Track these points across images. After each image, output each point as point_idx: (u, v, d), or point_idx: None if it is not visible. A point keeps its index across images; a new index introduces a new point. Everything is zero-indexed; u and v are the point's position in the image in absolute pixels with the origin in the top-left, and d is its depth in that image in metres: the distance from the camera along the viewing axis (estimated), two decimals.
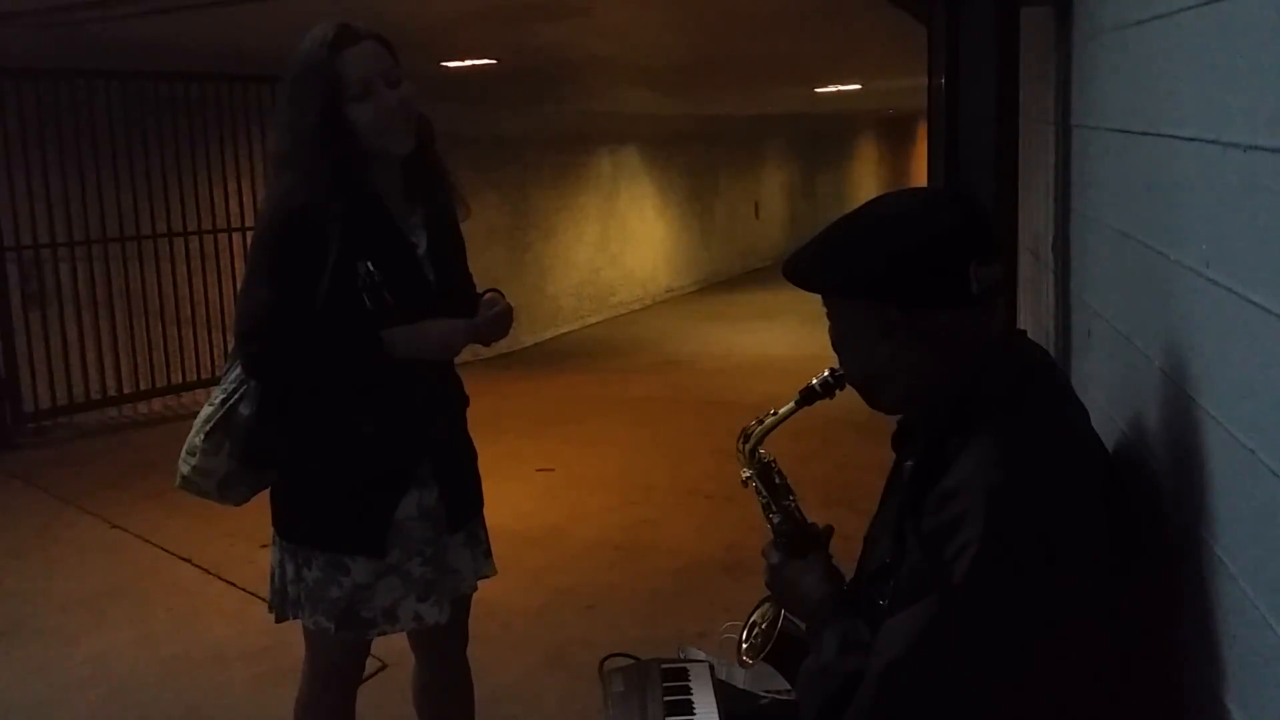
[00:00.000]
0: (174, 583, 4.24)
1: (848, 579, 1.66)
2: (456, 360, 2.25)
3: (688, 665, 2.09)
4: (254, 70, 6.48)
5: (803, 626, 1.65)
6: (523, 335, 9.15)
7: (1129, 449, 1.63)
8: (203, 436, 2.16)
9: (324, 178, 2.01)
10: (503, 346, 7.68)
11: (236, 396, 2.16)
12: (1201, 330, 1.29)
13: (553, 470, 5.56)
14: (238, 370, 2.15)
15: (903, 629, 1.32)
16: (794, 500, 1.76)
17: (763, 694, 2.03)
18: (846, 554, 1.70)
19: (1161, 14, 1.48)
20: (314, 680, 2.30)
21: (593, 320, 10.66)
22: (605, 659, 2.26)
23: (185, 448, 2.19)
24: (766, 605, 1.80)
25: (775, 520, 1.75)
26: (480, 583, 2.35)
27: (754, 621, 1.81)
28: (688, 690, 2.00)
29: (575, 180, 10.61)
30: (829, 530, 1.74)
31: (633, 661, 2.17)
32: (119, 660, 3.59)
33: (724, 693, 2.01)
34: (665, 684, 2.02)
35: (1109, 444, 1.65)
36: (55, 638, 3.76)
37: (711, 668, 2.08)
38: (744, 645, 1.81)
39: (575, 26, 5.73)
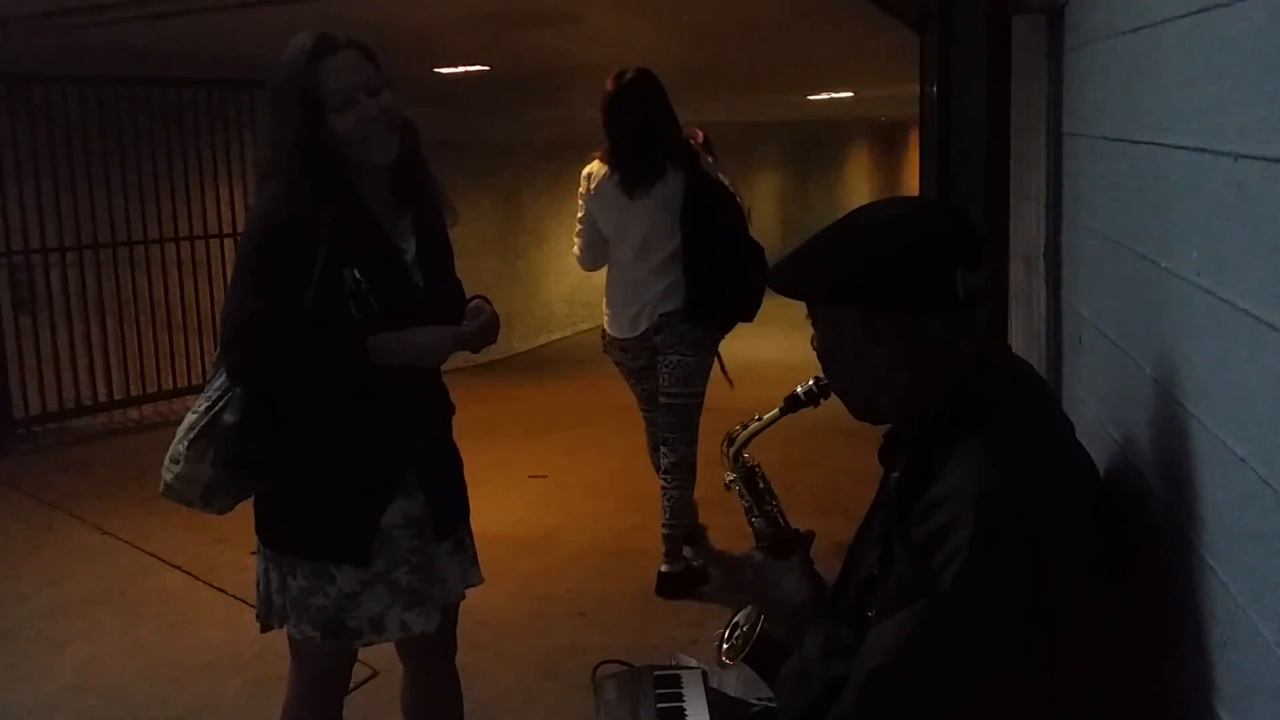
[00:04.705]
0: (164, 589, 4.22)
1: (830, 585, 1.66)
2: (447, 367, 2.24)
3: (681, 672, 2.09)
4: (245, 75, 6.47)
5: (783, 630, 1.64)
6: (515, 341, 9.14)
7: (1120, 456, 1.63)
8: (186, 444, 2.15)
9: (308, 188, 2.00)
10: (494, 353, 7.64)
11: (220, 404, 2.15)
12: (1192, 338, 1.29)
13: (545, 477, 5.55)
14: (222, 378, 2.14)
15: (889, 634, 1.32)
16: (777, 504, 1.76)
17: (755, 701, 2.03)
18: (838, 562, 1.70)
19: (1152, 23, 1.48)
20: (301, 689, 2.29)
21: (585, 326, 10.64)
22: (598, 666, 2.25)
23: (169, 455, 2.18)
24: (751, 607, 1.80)
25: (757, 524, 1.75)
26: (471, 590, 2.34)
27: (736, 622, 1.81)
28: (680, 697, 2.00)
29: (568, 186, 10.56)
30: (810, 535, 1.74)
31: (626, 668, 2.17)
32: (108, 667, 3.58)
33: (717, 700, 2.00)
34: (658, 691, 2.02)
35: (1101, 451, 1.65)
36: (44, 644, 3.74)
37: (705, 675, 2.07)
38: (724, 645, 1.81)
39: (567, 33, 5.73)
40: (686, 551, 4.09)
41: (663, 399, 3.96)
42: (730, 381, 4.03)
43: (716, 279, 3.85)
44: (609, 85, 3.86)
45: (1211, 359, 1.22)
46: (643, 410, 4.20)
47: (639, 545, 4.56)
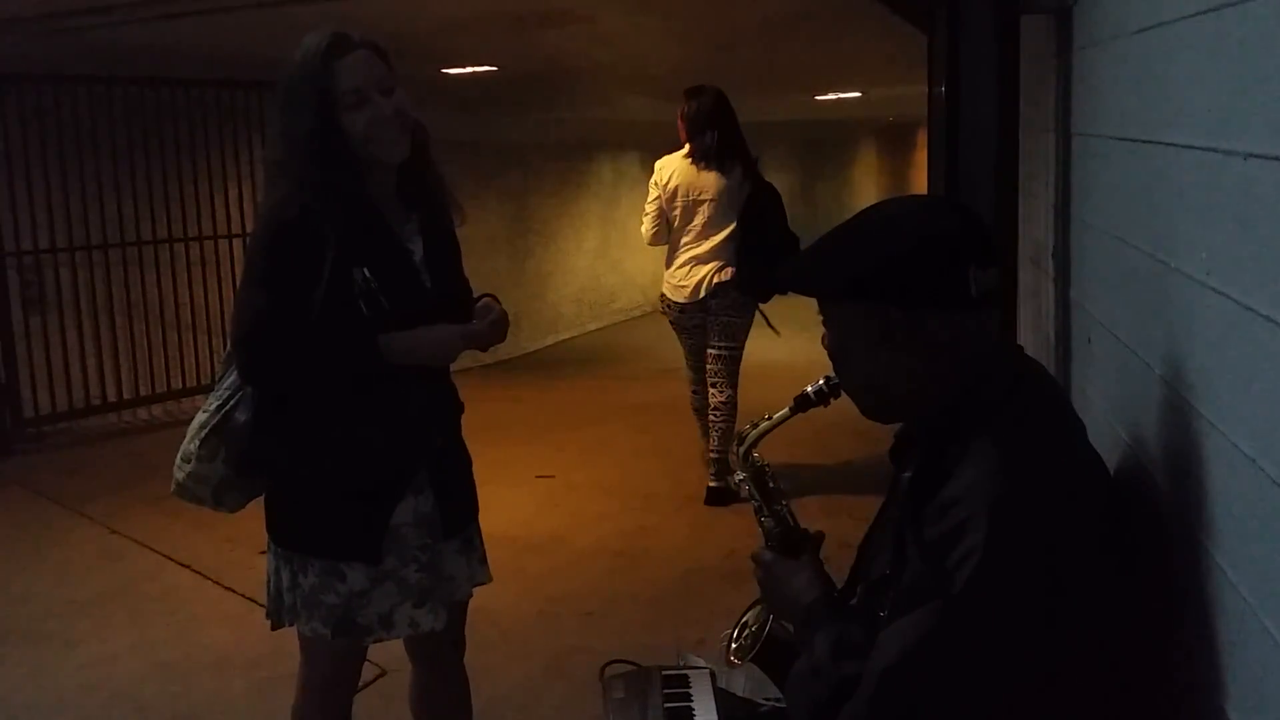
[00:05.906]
0: (173, 588, 4.24)
1: (839, 586, 1.66)
2: (456, 366, 2.25)
3: (688, 672, 2.08)
4: (253, 75, 6.49)
5: (792, 630, 1.64)
6: (523, 341, 9.15)
7: (1129, 456, 1.63)
8: (198, 443, 2.16)
9: (318, 186, 2.01)
10: (503, 352, 7.65)
11: (232, 403, 2.15)
12: (1201, 338, 1.29)
13: (552, 477, 5.56)
14: (233, 377, 2.15)
15: (902, 635, 1.32)
16: (786, 504, 1.76)
17: (763, 701, 2.03)
18: (848, 562, 1.70)
19: (1161, 22, 1.48)
20: (310, 687, 2.30)
21: (593, 327, 10.66)
22: (606, 665, 2.25)
23: (180, 454, 2.19)
24: (759, 607, 1.80)
25: (767, 523, 1.75)
26: (479, 590, 2.35)
27: (745, 622, 1.81)
28: (688, 697, 2.00)
29: (576, 187, 10.61)
30: (820, 535, 1.74)
31: (633, 668, 2.17)
32: (117, 666, 3.59)
33: (725, 700, 2.00)
34: (666, 690, 2.02)
35: (1110, 452, 1.65)
36: (54, 643, 3.76)
37: (712, 674, 2.07)
38: (733, 645, 1.81)
39: (576, 34, 5.74)
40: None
41: (713, 350, 4.97)
42: (776, 330, 5.06)
43: (762, 258, 4.78)
44: (687, 101, 4.87)
45: (1220, 358, 1.22)
46: (689, 363, 5.11)
47: (646, 545, 4.57)
